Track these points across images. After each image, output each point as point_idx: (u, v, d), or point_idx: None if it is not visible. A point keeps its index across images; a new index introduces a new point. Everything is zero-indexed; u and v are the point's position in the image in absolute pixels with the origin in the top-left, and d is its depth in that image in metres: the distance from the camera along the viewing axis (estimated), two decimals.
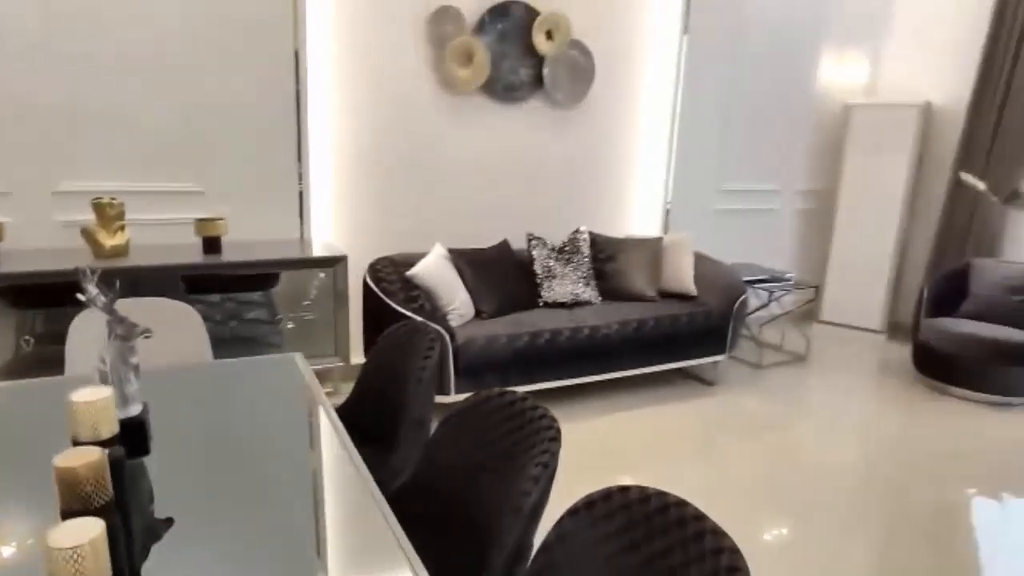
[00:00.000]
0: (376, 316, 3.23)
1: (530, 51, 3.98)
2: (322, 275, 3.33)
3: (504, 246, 3.81)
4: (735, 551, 0.92)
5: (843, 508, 2.71)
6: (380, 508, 1.19)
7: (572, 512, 1.12)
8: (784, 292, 4.43)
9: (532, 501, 1.25)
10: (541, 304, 3.75)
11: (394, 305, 3.11)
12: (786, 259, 5.32)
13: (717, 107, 4.68)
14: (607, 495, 1.10)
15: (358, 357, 3.39)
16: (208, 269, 2.91)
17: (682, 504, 1.01)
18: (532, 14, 3.95)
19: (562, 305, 3.74)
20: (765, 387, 4.01)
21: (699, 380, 4.03)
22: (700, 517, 0.98)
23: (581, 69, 4.18)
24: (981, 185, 4.55)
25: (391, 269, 3.35)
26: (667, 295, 4.00)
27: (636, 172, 4.58)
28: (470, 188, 4.01)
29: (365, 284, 3.33)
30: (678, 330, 3.74)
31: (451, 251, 3.59)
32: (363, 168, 3.69)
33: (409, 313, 3.07)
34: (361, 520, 1.17)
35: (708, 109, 4.63)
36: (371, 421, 1.97)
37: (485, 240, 3.83)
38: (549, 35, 4.00)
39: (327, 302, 3.29)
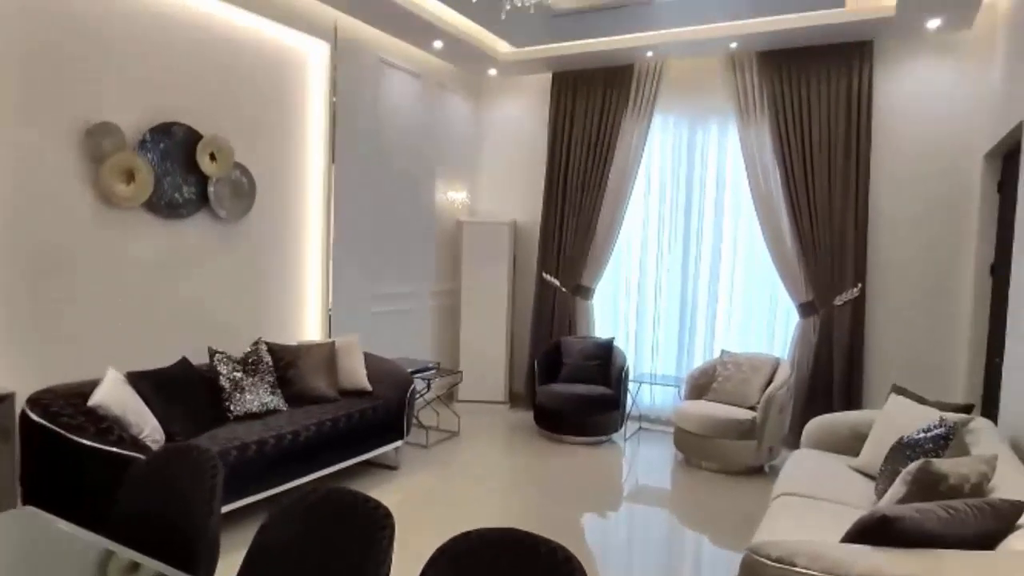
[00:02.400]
0: (53, 457, 2.85)
1: (194, 170, 4.06)
2: None
3: (184, 363, 3.71)
4: None
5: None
6: None
7: None
8: (436, 378, 5.22)
9: None
10: (232, 418, 3.74)
11: (86, 441, 2.82)
12: (428, 350, 6.19)
13: (366, 222, 5.35)
14: None
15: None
16: None
17: None
18: (196, 136, 4.06)
19: (255, 416, 3.80)
20: (436, 464, 4.66)
21: (385, 467, 4.45)
22: None
23: (243, 188, 4.40)
24: (556, 282, 6.16)
25: (63, 402, 3.00)
26: (346, 393, 4.37)
27: (301, 280, 4.91)
28: (140, 307, 3.81)
29: (29, 422, 2.91)
30: (365, 423, 4.14)
31: (129, 375, 3.37)
32: (14, 294, 3.24)
33: (110, 448, 2.82)
34: None
35: (358, 224, 5.27)
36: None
37: (162, 359, 3.66)
38: (213, 157, 4.15)
39: None
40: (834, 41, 4.94)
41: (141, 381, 3.39)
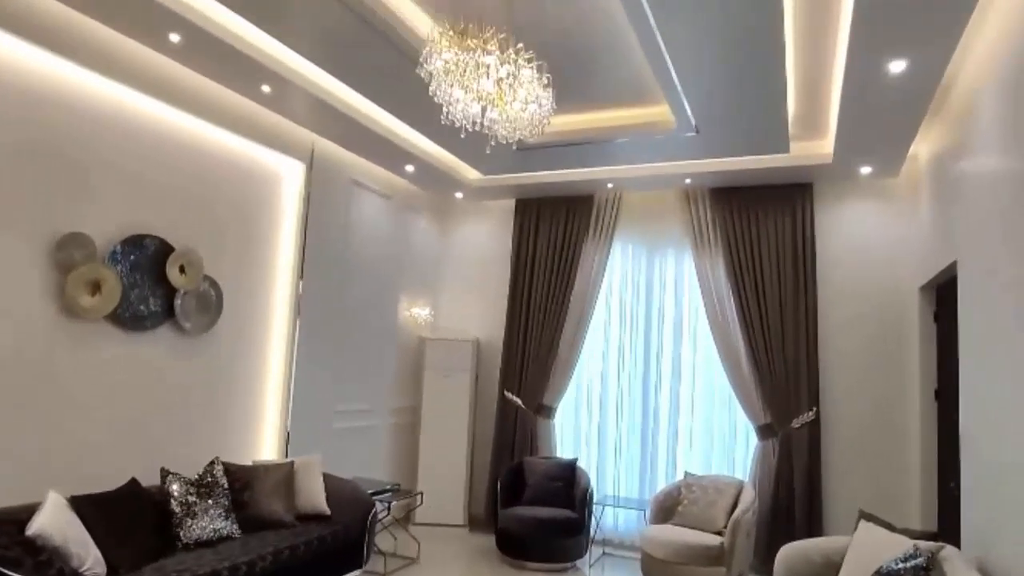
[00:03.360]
0: None
1: (163, 282, 4.00)
2: None
3: (134, 485, 3.48)
4: None
5: None
6: None
7: None
8: (394, 500, 5.00)
9: None
10: (180, 546, 3.47)
11: None
12: (385, 470, 5.97)
13: (329, 338, 5.30)
14: None
15: None
16: None
17: None
18: (167, 248, 4.04)
19: (206, 544, 3.54)
20: None
21: None
22: None
23: (211, 301, 4.35)
24: (518, 400, 6.14)
25: None
26: (304, 517, 4.14)
27: (260, 397, 4.75)
28: (90, 422, 3.61)
29: None
30: (323, 552, 3.90)
31: (72, 499, 3.14)
32: None
33: None
34: None
35: (322, 340, 5.21)
36: None
37: (110, 481, 3.43)
38: (183, 269, 4.12)
39: None
40: (779, 182, 5.39)
41: (85, 506, 3.15)
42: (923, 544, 2.85)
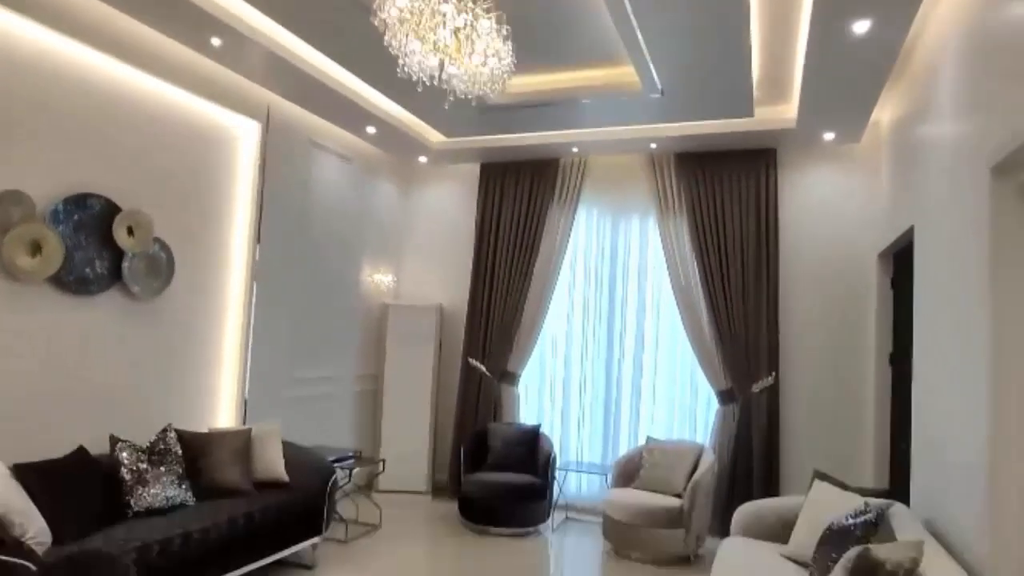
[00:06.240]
0: None
1: (109, 244, 3.84)
2: None
3: (81, 453, 3.37)
4: None
5: None
6: None
7: None
8: (356, 468, 4.96)
9: None
10: (131, 515, 3.38)
11: None
12: (348, 437, 5.91)
13: (288, 304, 5.18)
14: None
15: None
16: None
17: None
18: (114, 208, 3.86)
19: (158, 512, 3.45)
20: (355, 561, 4.36)
21: (299, 566, 4.12)
22: None
23: (161, 264, 4.19)
24: (482, 367, 6.11)
25: None
26: (262, 485, 4.07)
27: (216, 364, 4.63)
28: (36, 390, 3.46)
29: None
30: (281, 519, 3.84)
31: (15, 467, 3.02)
32: None
33: None
34: None
35: (280, 306, 5.09)
36: None
37: (57, 450, 3.31)
38: (130, 231, 3.95)
39: None
40: (743, 147, 5.39)
41: (28, 474, 3.04)
42: (873, 501, 2.91)
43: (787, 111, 4.89)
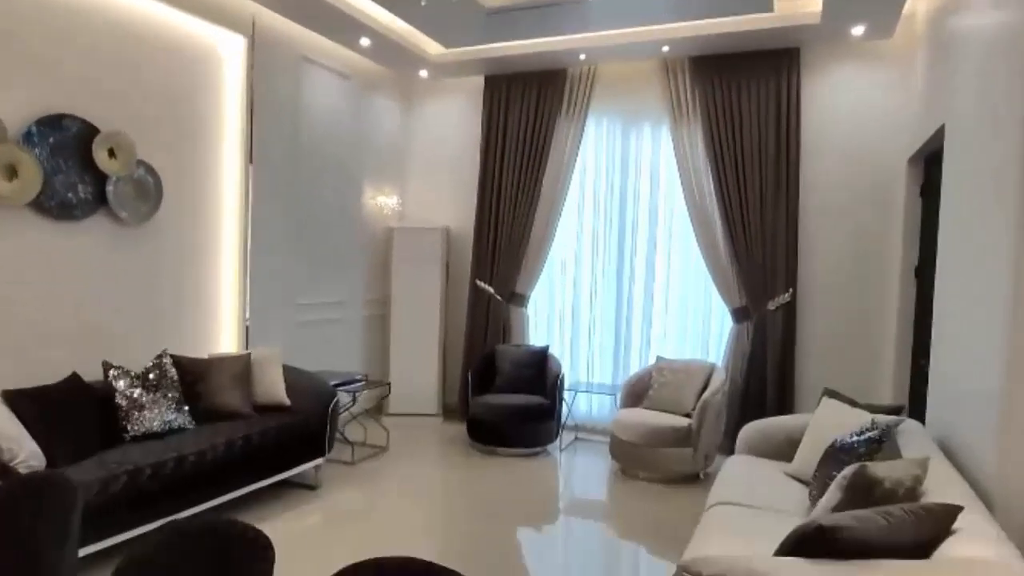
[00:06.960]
0: None
1: (91, 167, 3.71)
2: None
3: (74, 380, 3.36)
4: None
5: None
6: None
7: None
8: (363, 391, 4.94)
9: None
10: (128, 439, 3.39)
11: None
12: (357, 362, 5.90)
13: (287, 229, 5.06)
14: None
15: None
16: None
17: None
18: (91, 130, 3.71)
19: (156, 436, 3.46)
20: (361, 481, 4.39)
21: (303, 487, 4.16)
22: None
23: (148, 188, 4.06)
24: (490, 289, 5.98)
25: None
26: (262, 409, 4.07)
27: (215, 290, 4.57)
28: (25, 317, 3.43)
29: None
30: (281, 441, 3.85)
31: (4, 393, 3.02)
32: None
33: None
34: None
35: (279, 230, 4.97)
36: None
37: (49, 375, 3.30)
38: (112, 153, 3.81)
39: None
40: (763, 48, 4.97)
41: (19, 399, 3.04)
42: (881, 418, 2.75)
43: (810, 3, 4.45)
